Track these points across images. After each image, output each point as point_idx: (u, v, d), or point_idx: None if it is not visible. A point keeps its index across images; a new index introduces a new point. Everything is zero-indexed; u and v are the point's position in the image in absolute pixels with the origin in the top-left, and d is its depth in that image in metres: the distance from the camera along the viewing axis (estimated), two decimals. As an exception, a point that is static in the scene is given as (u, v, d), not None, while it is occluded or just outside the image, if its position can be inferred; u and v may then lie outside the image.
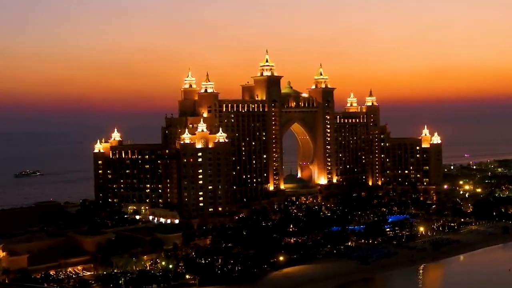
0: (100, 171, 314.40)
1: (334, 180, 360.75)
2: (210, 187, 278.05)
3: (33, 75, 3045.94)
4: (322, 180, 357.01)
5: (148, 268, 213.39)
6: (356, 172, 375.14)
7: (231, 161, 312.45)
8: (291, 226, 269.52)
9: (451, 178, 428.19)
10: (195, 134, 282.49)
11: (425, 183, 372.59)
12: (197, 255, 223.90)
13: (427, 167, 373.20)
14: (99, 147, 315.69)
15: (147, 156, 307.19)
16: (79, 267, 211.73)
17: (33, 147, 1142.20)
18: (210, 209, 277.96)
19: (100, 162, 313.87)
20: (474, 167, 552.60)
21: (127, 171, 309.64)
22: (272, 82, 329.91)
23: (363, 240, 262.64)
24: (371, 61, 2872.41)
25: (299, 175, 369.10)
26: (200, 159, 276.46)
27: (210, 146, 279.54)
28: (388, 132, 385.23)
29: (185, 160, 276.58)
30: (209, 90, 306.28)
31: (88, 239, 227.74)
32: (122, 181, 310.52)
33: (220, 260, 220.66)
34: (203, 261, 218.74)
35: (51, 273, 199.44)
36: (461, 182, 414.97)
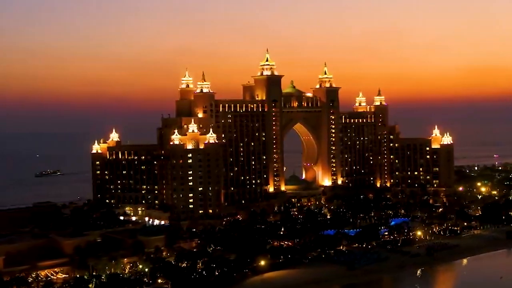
0: (97, 172, 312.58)
1: (339, 182, 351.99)
2: (200, 189, 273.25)
3: (77, 74, 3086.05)
4: (327, 181, 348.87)
5: (126, 271, 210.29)
6: (363, 173, 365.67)
7: (229, 162, 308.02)
8: (283, 228, 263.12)
9: (469, 180, 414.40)
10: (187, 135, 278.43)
11: (435, 185, 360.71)
12: (177, 258, 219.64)
13: (437, 169, 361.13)
14: (96, 147, 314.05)
15: (143, 157, 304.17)
16: (56, 270, 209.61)
17: (70, 146, 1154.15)
18: (200, 211, 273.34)
19: (97, 162, 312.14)
20: (500, 168, 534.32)
21: (124, 172, 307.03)
22: (272, 82, 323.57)
23: (357, 244, 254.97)
24: (411, 60, 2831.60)
25: (303, 176, 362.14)
26: (190, 161, 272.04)
27: (201, 147, 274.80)
28: (397, 132, 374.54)
29: (174, 161, 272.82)
30: (204, 90, 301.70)
31: (67, 241, 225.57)
32: (119, 182, 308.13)
33: (200, 264, 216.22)
34: (183, 265, 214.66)
35: (20, 275, 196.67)
36: (478, 184, 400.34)
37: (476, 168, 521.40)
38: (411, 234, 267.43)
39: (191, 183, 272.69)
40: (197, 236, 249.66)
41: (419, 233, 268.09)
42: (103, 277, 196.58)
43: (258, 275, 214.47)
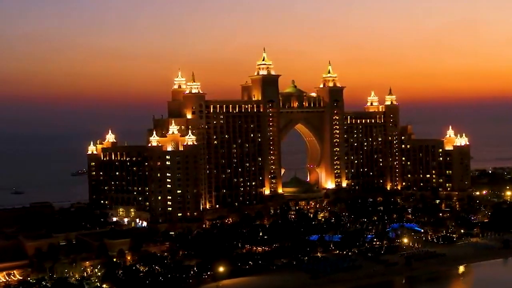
0: (93, 173, 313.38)
1: (344, 184, 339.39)
2: (178, 191, 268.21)
3: (145, 74, 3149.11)
4: (330, 184, 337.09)
5: (85, 274, 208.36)
6: (372, 176, 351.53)
7: (221, 163, 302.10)
8: (261, 233, 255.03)
9: (500, 183, 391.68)
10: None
11: (448, 189, 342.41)
12: (137, 262, 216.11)
13: (450, 171, 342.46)
14: (92, 148, 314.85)
15: (134, 158, 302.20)
16: (15, 272, 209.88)
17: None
18: (179, 214, 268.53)
19: (93, 164, 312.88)
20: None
21: (117, 173, 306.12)
22: (269, 82, 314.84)
23: (338, 251, 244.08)
24: (484, 55, 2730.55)
25: (308, 178, 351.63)
26: (168, 162, 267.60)
27: (181, 149, 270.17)
28: (410, 133, 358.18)
29: (152, 163, 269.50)
30: (194, 91, 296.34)
31: (30, 243, 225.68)
32: (112, 183, 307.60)
33: (159, 268, 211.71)
34: (144, 269, 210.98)
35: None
36: (507, 187, 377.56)
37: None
38: (398, 241, 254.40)
39: (169, 186, 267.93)
40: (170, 239, 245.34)
41: (405, 240, 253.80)
42: (47, 281, 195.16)
43: (216, 282, 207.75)
